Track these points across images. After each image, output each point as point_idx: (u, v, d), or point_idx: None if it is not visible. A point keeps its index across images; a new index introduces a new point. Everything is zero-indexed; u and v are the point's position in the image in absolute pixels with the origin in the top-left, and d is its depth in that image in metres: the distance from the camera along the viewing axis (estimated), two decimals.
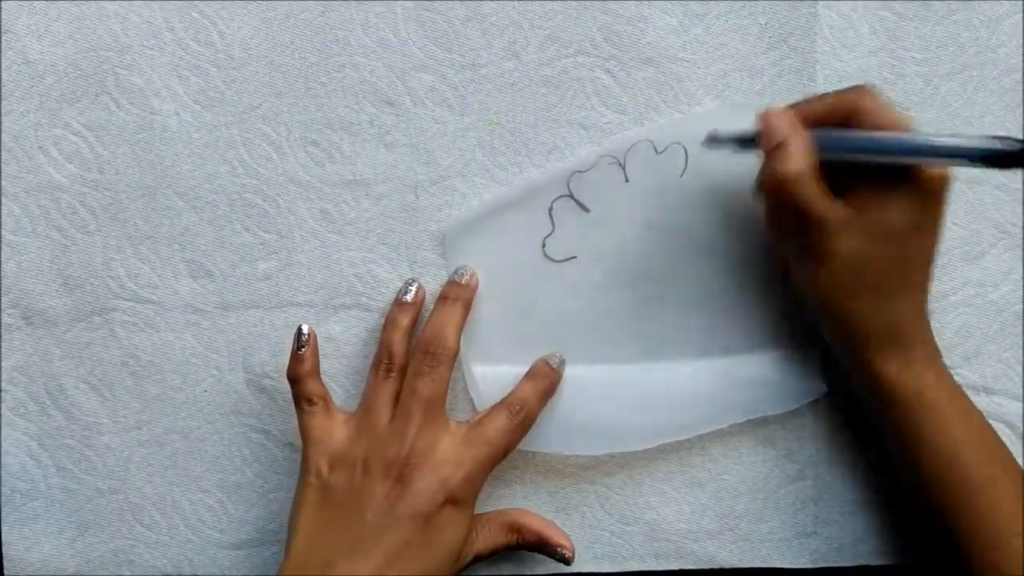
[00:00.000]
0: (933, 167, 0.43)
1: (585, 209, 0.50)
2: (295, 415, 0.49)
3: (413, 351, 0.48)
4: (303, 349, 0.49)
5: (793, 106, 0.46)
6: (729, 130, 0.47)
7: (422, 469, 0.45)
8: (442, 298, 0.49)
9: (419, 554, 0.45)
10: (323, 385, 0.49)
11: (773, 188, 0.45)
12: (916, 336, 0.46)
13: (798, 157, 0.44)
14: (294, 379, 0.48)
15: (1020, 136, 0.51)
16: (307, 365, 0.48)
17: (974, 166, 0.41)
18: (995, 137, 0.41)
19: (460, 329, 0.48)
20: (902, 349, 0.46)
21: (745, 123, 0.46)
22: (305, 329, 0.49)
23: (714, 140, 0.48)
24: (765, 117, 0.45)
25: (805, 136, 0.44)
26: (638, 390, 0.50)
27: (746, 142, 0.46)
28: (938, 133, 0.43)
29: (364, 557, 0.44)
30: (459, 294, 0.49)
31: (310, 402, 0.48)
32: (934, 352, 0.47)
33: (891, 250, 0.45)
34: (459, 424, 0.48)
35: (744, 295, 0.50)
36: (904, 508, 0.52)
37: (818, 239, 0.45)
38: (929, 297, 0.46)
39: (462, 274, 0.50)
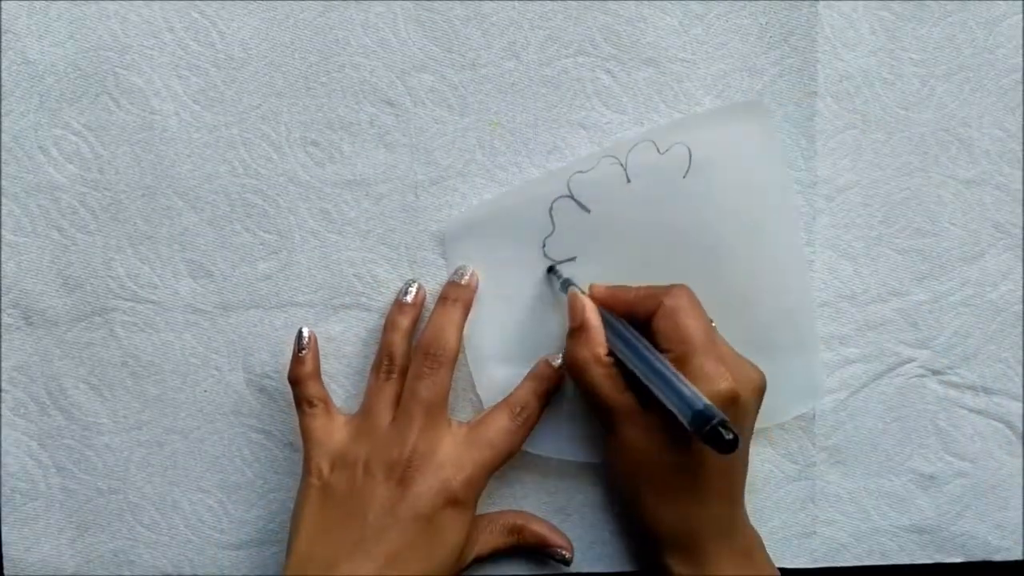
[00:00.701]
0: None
1: (586, 209, 0.50)
2: (295, 415, 0.49)
3: (414, 353, 0.48)
4: (304, 351, 0.49)
5: (611, 288, 0.48)
6: (562, 274, 0.49)
7: (423, 471, 0.45)
8: (442, 299, 0.49)
9: (420, 555, 0.45)
10: (324, 387, 0.49)
11: (570, 369, 0.47)
12: (711, 543, 0.45)
13: (590, 344, 0.46)
14: (295, 381, 0.49)
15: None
16: (308, 367, 0.49)
17: (686, 425, 0.40)
18: (708, 410, 0.39)
19: (460, 330, 0.48)
20: (695, 555, 0.45)
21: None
22: (305, 332, 0.49)
23: (550, 271, 0.50)
24: (572, 298, 0.47)
25: (600, 326, 0.46)
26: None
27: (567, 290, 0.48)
28: (675, 381, 0.42)
29: (366, 558, 0.44)
30: (459, 295, 0.49)
31: (311, 404, 0.48)
32: (739, 549, 0.46)
33: (677, 453, 0.44)
34: (460, 425, 0.48)
35: (744, 299, 0.50)
36: (901, 509, 0.52)
37: (607, 423, 0.46)
38: (743, 499, 0.47)
39: (462, 274, 0.50)
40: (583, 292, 0.48)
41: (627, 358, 0.45)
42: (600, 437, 0.50)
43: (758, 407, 0.45)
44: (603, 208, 0.50)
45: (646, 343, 0.45)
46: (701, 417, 0.39)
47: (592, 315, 0.46)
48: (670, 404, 0.41)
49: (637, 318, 0.46)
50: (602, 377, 0.45)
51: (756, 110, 0.50)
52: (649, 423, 0.45)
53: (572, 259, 0.50)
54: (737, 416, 0.44)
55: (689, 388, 0.41)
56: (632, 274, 0.49)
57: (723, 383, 0.43)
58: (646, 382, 0.43)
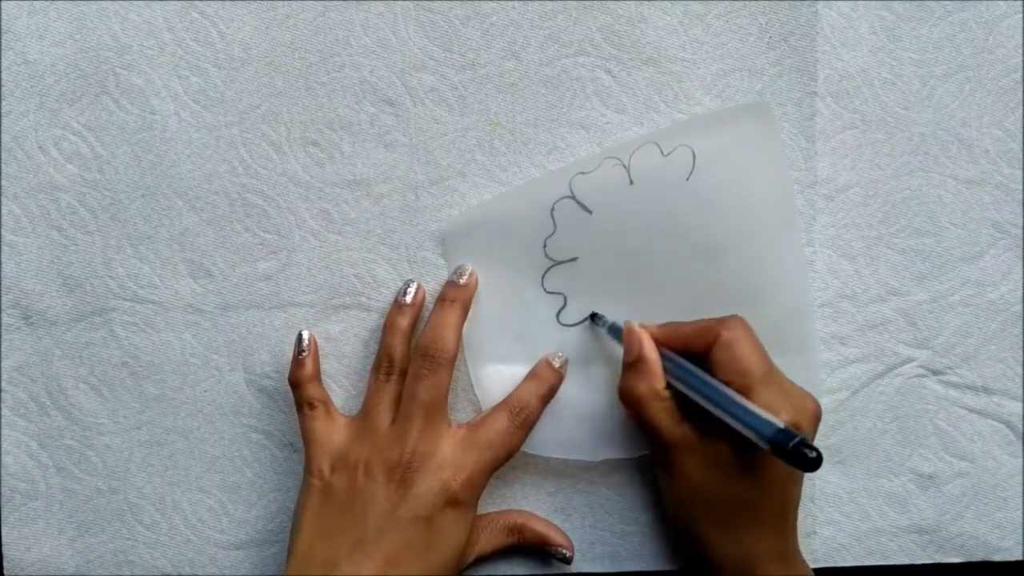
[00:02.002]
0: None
1: (587, 211, 0.50)
2: (296, 416, 0.49)
3: (413, 354, 0.48)
4: (304, 354, 0.49)
5: (663, 325, 0.47)
6: (607, 319, 0.49)
7: (423, 472, 0.46)
8: (440, 300, 0.49)
9: (421, 555, 0.45)
10: (324, 389, 0.50)
11: (626, 402, 0.47)
12: (766, 570, 0.45)
13: (648, 377, 0.46)
14: (295, 383, 0.49)
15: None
16: (308, 370, 0.49)
17: (764, 446, 0.40)
18: (787, 431, 0.39)
19: (459, 331, 0.48)
20: None
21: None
22: (305, 335, 0.49)
23: (594, 319, 0.50)
24: (627, 332, 0.47)
25: (657, 358, 0.46)
26: None
27: (618, 336, 0.48)
28: (748, 407, 0.42)
29: (366, 558, 0.44)
30: (457, 295, 0.49)
31: (311, 406, 0.49)
32: None
33: (734, 483, 0.44)
34: (460, 426, 0.48)
35: (747, 303, 0.49)
36: (901, 509, 0.52)
37: (665, 456, 0.46)
38: (795, 527, 0.46)
39: (460, 274, 0.50)
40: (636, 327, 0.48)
41: (690, 388, 0.45)
42: (597, 436, 0.50)
43: (815, 436, 0.45)
44: (605, 209, 0.50)
45: (709, 377, 0.45)
46: (783, 437, 0.39)
47: (650, 348, 0.46)
48: (744, 429, 0.41)
49: (693, 352, 0.46)
50: (661, 411, 0.45)
51: (760, 112, 0.50)
52: (708, 454, 0.45)
53: (573, 259, 0.50)
54: None
55: (763, 412, 0.41)
56: (633, 274, 0.49)
57: (784, 414, 0.43)
58: (714, 410, 0.43)
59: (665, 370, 0.46)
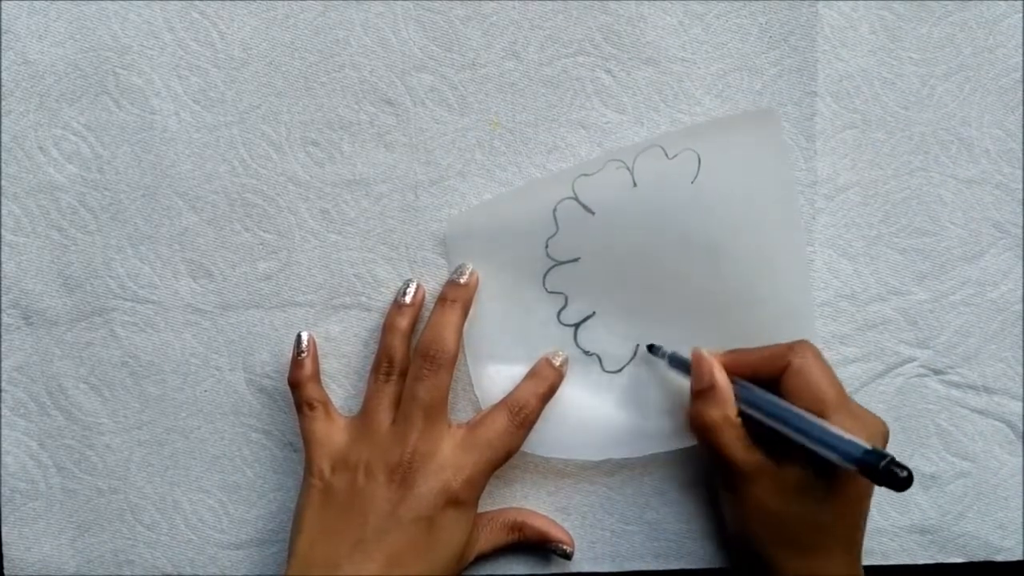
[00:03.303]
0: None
1: (590, 212, 0.50)
2: (295, 416, 0.49)
3: (413, 354, 0.48)
4: (303, 355, 0.49)
5: (730, 352, 0.47)
6: (666, 349, 0.49)
7: (423, 473, 0.46)
8: (441, 299, 0.49)
9: (422, 555, 0.45)
10: (323, 390, 0.50)
11: (696, 430, 0.47)
12: None
13: (720, 404, 0.45)
14: (295, 384, 0.49)
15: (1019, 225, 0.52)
16: (307, 370, 0.49)
17: (850, 468, 0.40)
18: (876, 451, 0.39)
19: (459, 331, 0.48)
20: None
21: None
22: (304, 336, 0.50)
23: (651, 350, 0.50)
24: (697, 359, 0.47)
25: (729, 385, 0.46)
26: (637, 394, 0.51)
27: (680, 366, 0.48)
28: (832, 430, 0.41)
29: (367, 559, 0.44)
30: (458, 295, 0.49)
31: (311, 406, 0.49)
32: None
33: (808, 507, 0.44)
34: (459, 426, 0.48)
35: (748, 304, 0.49)
36: (902, 509, 0.52)
37: (735, 482, 0.46)
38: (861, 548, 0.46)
39: (461, 273, 0.49)
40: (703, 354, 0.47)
41: (765, 415, 0.44)
42: (597, 435, 0.50)
43: None
44: (608, 211, 0.50)
45: (781, 400, 0.44)
46: (873, 458, 0.39)
47: (721, 375, 0.46)
48: (827, 452, 0.41)
49: (760, 379, 0.46)
50: (734, 439, 0.45)
51: (766, 118, 0.50)
52: (782, 479, 0.44)
53: (575, 260, 0.50)
54: None
55: (847, 435, 0.41)
56: (634, 275, 0.49)
57: (865, 442, 0.42)
58: (793, 435, 0.43)
59: (739, 395, 0.46)
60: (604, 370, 0.51)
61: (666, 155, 0.50)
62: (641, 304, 0.50)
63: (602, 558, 0.52)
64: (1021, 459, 0.52)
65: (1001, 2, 0.51)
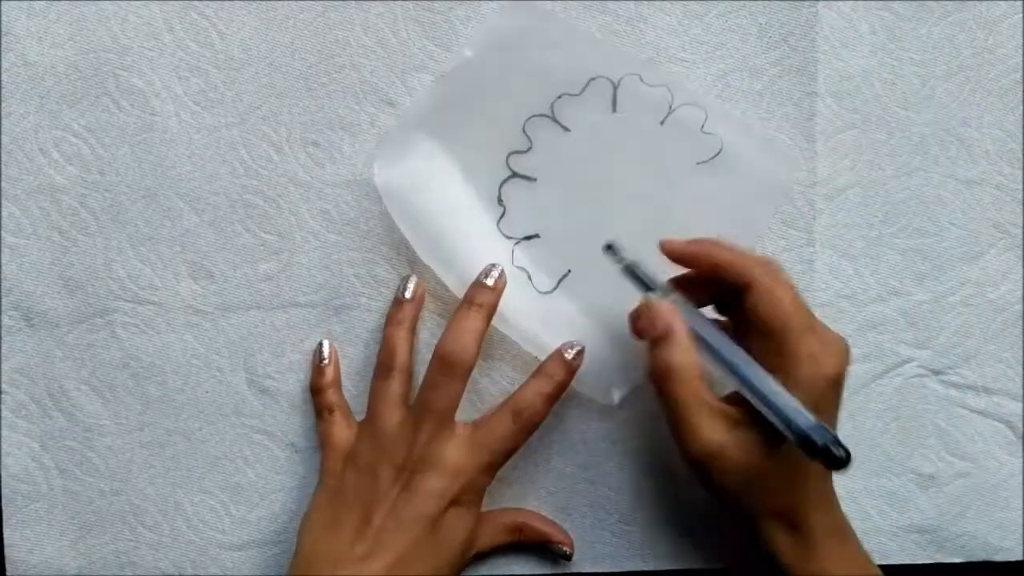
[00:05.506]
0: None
1: (565, 129, 0.49)
2: (296, 416, 0.50)
3: (431, 359, 0.47)
4: (325, 362, 0.50)
5: (696, 242, 0.45)
6: (625, 255, 0.46)
7: (427, 475, 0.46)
8: (466, 301, 0.47)
9: (427, 554, 0.45)
10: (343, 396, 0.50)
11: (655, 376, 0.44)
12: (813, 516, 0.44)
13: (681, 350, 0.43)
14: (316, 390, 0.50)
15: None
16: (328, 377, 0.50)
17: (792, 440, 0.40)
18: (821, 425, 0.38)
19: (481, 340, 0.47)
20: (797, 528, 0.44)
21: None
22: (326, 345, 0.50)
23: (609, 249, 0.46)
24: (652, 305, 0.44)
25: (687, 331, 0.43)
26: (566, 318, 0.50)
27: (634, 278, 0.45)
28: (780, 398, 0.40)
29: (373, 558, 0.45)
30: (484, 299, 0.47)
31: (331, 411, 0.49)
32: (837, 527, 0.45)
33: (774, 449, 0.42)
34: (464, 427, 0.47)
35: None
36: (902, 509, 0.52)
37: (696, 430, 0.43)
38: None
39: (490, 274, 0.48)
40: (652, 283, 0.45)
41: (722, 365, 0.43)
42: (613, 369, 0.49)
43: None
44: (583, 130, 0.49)
45: (740, 349, 0.43)
46: (815, 434, 0.38)
47: (678, 321, 0.44)
48: (774, 417, 0.40)
49: (721, 281, 0.44)
50: (695, 385, 0.43)
51: (784, 161, 0.50)
52: (743, 426, 0.43)
53: (533, 179, 0.50)
54: (838, 391, 0.43)
55: (795, 405, 0.40)
56: (589, 200, 0.49)
57: (830, 367, 0.42)
58: (744, 392, 0.42)
59: (696, 337, 0.43)
60: (536, 289, 0.50)
61: (670, 105, 0.49)
62: (588, 231, 0.49)
63: (602, 558, 0.52)
64: (1021, 459, 0.52)
65: (1001, 2, 0.51)
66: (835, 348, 0.43)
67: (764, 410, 0.41)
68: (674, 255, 0.45)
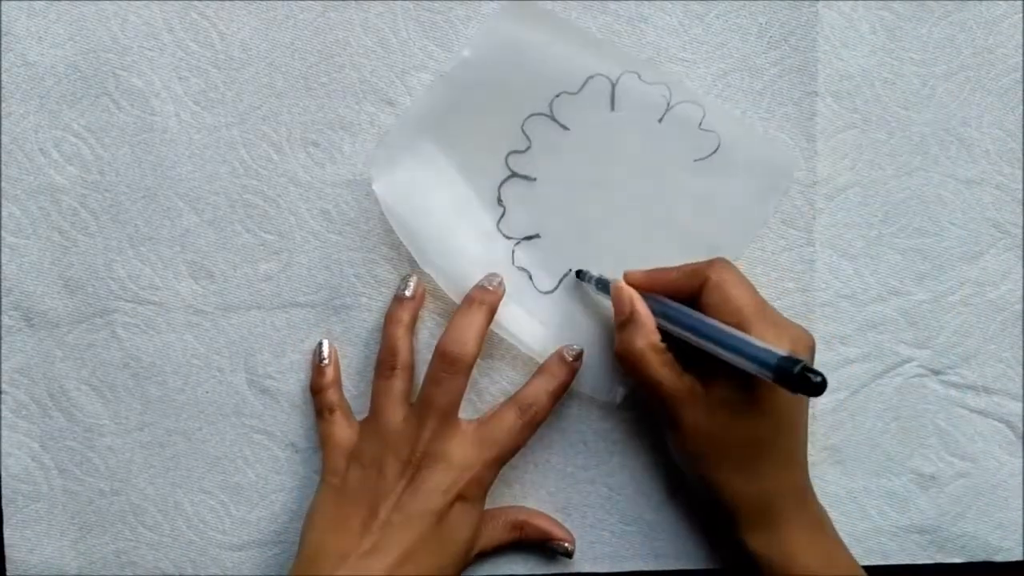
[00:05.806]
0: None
1: (564, 128, 0.50)
2: (295, 416, 0.50)
3: (433, 355, 0.47)
4: (325, 362, 0.50)
5: (650, 272, 0.48)
6: (592, 274, 0.49)
7: (433, 470, 0.46)
8: (468, 300, 0.48)
9: (432, 550, 0.46)
10: (343, 395, 0.50)
11: (623, 360, 0.47)
12: (785, 511, 0.46)
13: (644, 333, 0.46)
14: (316, 390, 0.50)
15: None
16: (329, 377, 0.50)
17: (766, 376, 0.40)
18: (790, 358, 0.39)
19: (483, 336, 0.48)
20: (771, 524, 0.46)
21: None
22: (325, 345, 0.50)
23: (579, 276, 0.50)
24: (616, 291, 0.47)
25: (649, 314, 0.46)
26: (568, 318, 0.51)
27: (606, 290, 0.48)
28: (746, 338, 0.42)
29: (379, 552, 0.45)
30: (485, 298, 0.48)
31: (331, 411, 0.49)
32: (812, 520, 0.47)
33: (741, 424, 0.45)
34: (469, 423, 0.48)
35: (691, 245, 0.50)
36: (901, 509, 0.52)
37: (668, 410, 0.46)
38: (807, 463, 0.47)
39: (492, 279, 0.49)
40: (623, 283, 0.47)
41: (687, 330, 0.44)
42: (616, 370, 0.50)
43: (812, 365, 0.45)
44: (582, 129, 0.50)
45: (703, 316, 0.44)
46: (787, 364, 0.39)
47: (640, 304, 0.46)
48: (745, 363, 0.41)
49: (680, 297, 0.46)
50: (660, 364, 0.45)
51: (782, 168, 0.51)
52: (713, 399, 0.45)
53: (533, 179, 0.50)
54: None
55: (762, 344, 0.41)
56: (588, 200, 0.50)
57: (783, 346, 0.42)
58: (713, 349, 0.43)
59: (660, 315, 0.46)
60: (537, 289, 0.51)
61: (668, 103, 0.49)
62: (588, 230, 0.50)
63: (602, 558, 0.52)
64: (1020, 459, 0.52)
65: (1001, 2, 0.51)
66: (790, 333, 0.45)
67: (736, 359, 0.42)
68: (636, 285, 0.47)
